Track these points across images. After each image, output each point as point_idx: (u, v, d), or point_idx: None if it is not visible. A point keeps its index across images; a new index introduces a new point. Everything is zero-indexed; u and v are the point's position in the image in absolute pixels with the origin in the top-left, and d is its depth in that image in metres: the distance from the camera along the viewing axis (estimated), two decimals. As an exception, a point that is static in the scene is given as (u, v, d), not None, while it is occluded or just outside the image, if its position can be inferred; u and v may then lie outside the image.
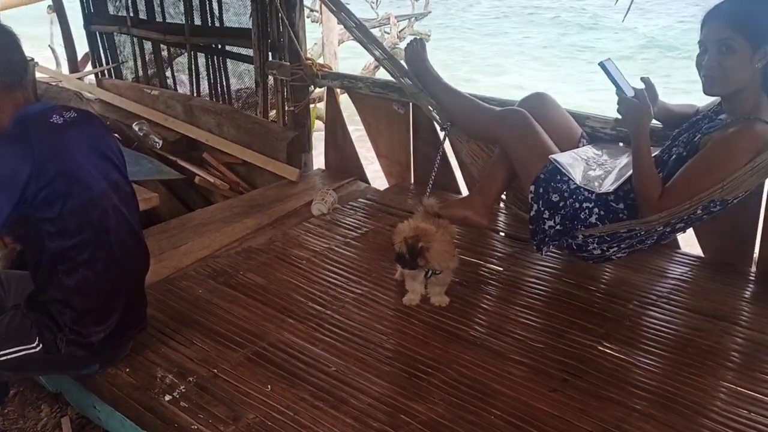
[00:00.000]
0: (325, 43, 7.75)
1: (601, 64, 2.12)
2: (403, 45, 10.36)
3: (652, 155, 2.23)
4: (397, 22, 9.76)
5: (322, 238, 2.86)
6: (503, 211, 3.05)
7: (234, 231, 2.96)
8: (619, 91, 2.09)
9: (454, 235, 2.33)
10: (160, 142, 3.97)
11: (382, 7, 10.51)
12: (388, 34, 9.88)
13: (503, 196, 2.80)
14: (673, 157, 2.14)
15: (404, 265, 2.26)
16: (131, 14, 4.63)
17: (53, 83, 4.88)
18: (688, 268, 2.55)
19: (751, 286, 2.45)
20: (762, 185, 2.36)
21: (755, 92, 2.00)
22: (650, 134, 2.37)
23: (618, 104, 2.10)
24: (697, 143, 2.08)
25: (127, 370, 2.02)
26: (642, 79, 2.17)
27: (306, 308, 2.32)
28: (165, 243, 2.82)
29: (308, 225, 2.99)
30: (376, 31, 10.30)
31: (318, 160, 3.81)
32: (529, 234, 2.37)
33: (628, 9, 3.06)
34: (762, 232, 2.47)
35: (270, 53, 3.78)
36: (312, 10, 9.11)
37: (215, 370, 2.00)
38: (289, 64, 3.54)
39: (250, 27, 3.78)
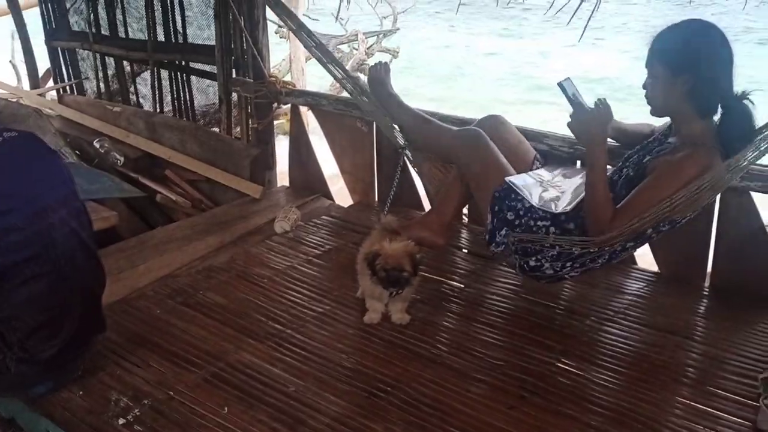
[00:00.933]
0: (293, 59, 7.76)
1: (560, 84, 2.16)
2: (371, 61, 10.43)
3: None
4: (365, 38, 9.81)
5: (284, 256, 2.85)
6: (465, 229, 3.07)
7: (195, 249, 2.93)
8: (576, 105, 2.13)
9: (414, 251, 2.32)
10: (122, 159, 3.92)
11: (350, 24, 10.55)
12: (357, 50, 9.92)
13: (465, 213, 2.84)
14: (623, 178, 2.19)
15: (395, 283, 2.23)
16: (93, 30, 4.58)
17: (13, 99, 4.80)
18: (644, 284, 2.59)
19: (704, 301, 2.50)
20: (712, 204, 2.42)
21: (696, 116, 2.07)
22: (606, 152, 2.45)
23: (570, 117, 2.14)
24: (645, 165, 2.13)
25: (81, 393, 1.98)
26: (598, 99, 2.21)
27: (266, 328, 2.31)
28: (123, 262, 2.78)
29: (271, 243, 2.97)
30: (344, 48, 10.34)
31: (283, 177, 3.81)
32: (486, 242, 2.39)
33: (585, 28, 3.14)
34: (714, 248, 2.53)
35: (234, 70, 3.77)
36: (280, 26, 9.10)
37: (171, 393, 1.97)
38: (252, 81, 3.53)
39: (214, 44, 3.76)
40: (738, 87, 2.06)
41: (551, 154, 2.67)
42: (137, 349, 2.17)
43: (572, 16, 3.23)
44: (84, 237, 1.96)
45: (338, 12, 4.00)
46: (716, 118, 2.09)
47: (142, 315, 2.38)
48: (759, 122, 2.01)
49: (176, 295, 2.52)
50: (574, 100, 2.13)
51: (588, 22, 3.04)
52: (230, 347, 2.19)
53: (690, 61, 2.03)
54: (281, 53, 8.87)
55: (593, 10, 3.06)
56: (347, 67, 9.29)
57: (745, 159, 1.95)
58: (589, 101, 2.17)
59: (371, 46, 10.34)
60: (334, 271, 2.71)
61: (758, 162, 2.08)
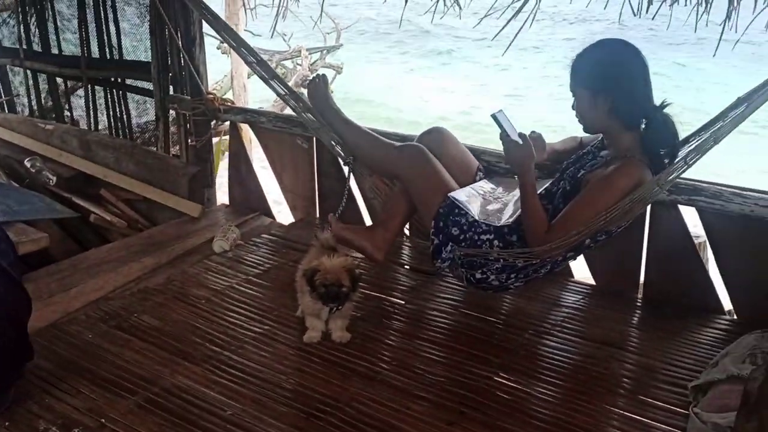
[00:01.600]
0: (234, 75, 7.67)
1: (494, 116, 2.22)
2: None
3: (544, 187, 2.34)
4: (309, 54, 9.81)
5: (223, 276, 2.80)
6: (407, 244, 3.09)
7: (130, 271, 2.85)
8: (505, 135, 2.19)
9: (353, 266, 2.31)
10: (54, 178, 3.79)
11: (293, 40, 10.54)
12: (300, 65, 9.92)
13: (407, 228, 2.85)
14: (560, 190, 2.24)
15: (334, 299, 2.21)
16: (24, 46, 4.43)
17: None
18: (580, 296, 2.64)
19: (638, 312, 2.56)
20: (644, 216, 2.49)
21: (623, 131, 2.15)
22: (543, 167, 2.51)
23: (504, 148, 2.21)
24: (581, 179, 2.19)
25: (7, 423, 1.90)
26: (532, 131, 2.38)
27: (203, 350, 2.26)
28: (54, 285, 2.68)
29: (209, 263, 2.92)
30: (288, 63, 10.32)
31: (223, 195, 3.75)
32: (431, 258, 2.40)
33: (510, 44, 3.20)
34: (646, 260, 2.60)
35: (172, 87, 3.71)
36: (222, 42, 9.01)
37: (103, 420, 1.90)
38: (189, 98, 3.48)
39: (150, 60, 3.69)
40: (657, 98, 2.15)
41: (489, 170, 2.70)
42: (67, 376, 2.09)
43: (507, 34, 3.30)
44: (4, 265, 1.88)
45: (273, 28, 3.95)
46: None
47: (74, 340, 2.30)
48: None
49: (109, 318, 2.44)
50: (506, 131, 2.19)
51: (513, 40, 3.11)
52: (165, 371, 2.13)
53: (606, 80, 2.11)
54: (224, 68, 8.79)
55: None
56: (290, 83, 9.29)
57: (674, 171, 2.03)
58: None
59: (315, 62, 10.35)
60: (274, 291, 2.68)
61: (684, 176, 2.16)
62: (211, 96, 3.44)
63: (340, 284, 2.17)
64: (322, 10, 3.88)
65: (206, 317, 2.48)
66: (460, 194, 2.35)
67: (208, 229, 3.30)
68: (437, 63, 16.58)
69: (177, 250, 3.05)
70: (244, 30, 8.47)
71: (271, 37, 5.09)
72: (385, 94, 13.74)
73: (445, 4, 3.40)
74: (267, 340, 2.34)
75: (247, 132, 3.76)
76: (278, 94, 2.74)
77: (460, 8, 3.40)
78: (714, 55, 2.88)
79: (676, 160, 2.04)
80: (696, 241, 2.70)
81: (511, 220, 2.28)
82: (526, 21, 2.88)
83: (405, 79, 15.13)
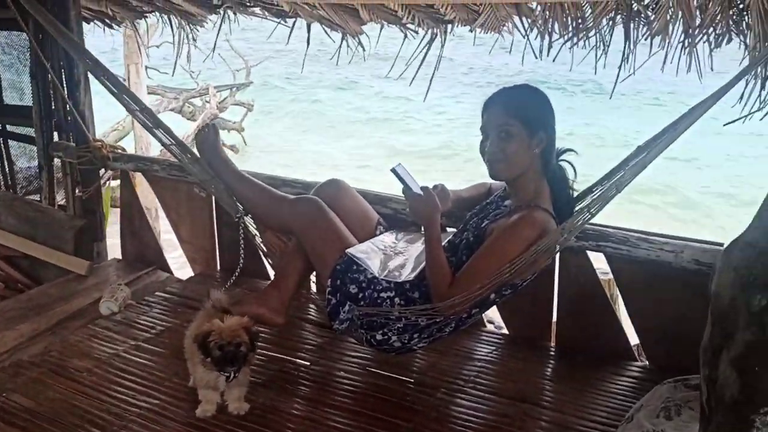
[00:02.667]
0: (137, 115, 7.36)
1: (393, 170, 2.13)
2: (223, 116, 10.19)
3: (447, 239, 2.24)
4: (217, 92, 9.57)
5: (109, 343, 2.54)
6: (311, 298, 2.92)
7: (3, 341, 2.55)
8: (407, 189, 2.11)
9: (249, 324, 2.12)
10: None
11: (202, 77, 10.28)
12: (209, 103, 9.66)
13: (312, 279, 2.70)
14: (464, 242, 2.15)
15: (233, 361, 2.01)
16: None
17: None
18: (493, 347, 2.55)
19: (551, 362, 2.49)
20: (553, 262, 2.43)
21: (536, 178, 2.08)
22: (449, 216, 2.42)
23: (406, 200, 2.13)
24: (484, 229, 2.11)
25: None
26: (436, 185, 2.31)
27: (80, 433, 2.01)
28: None
29: (95, 328, 2.66)
30: (197, 101, 10.04)
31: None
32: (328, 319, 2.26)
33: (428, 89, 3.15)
34: (557, 307, 2.54)
35: (57, 133, 3.44)
36: (123, 79, 8.66)
37: None
38: (75, 145, 3.22)
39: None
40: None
41: (395, 218, 2.60)
42: None
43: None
44: None
45: (174, 67, 3.78)
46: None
47: (-75, 431, 2.00)
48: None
49: (-29, 401, 2.15)
50: (407, 186, 2.11)
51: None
52: (33, 464, 1.87)
53: (544, 120, 2.06)
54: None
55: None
56: (198, 122, 9.02)
57: (578, 221, 1.97)
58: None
59: (224, 99, 10.12)
60: (166, 357, 2.44)
61: (593, 221, 2.12)
62: (99, 143, 3.21)
63: (239, 342, 1.98)
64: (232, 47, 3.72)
65: (87, 393, 2.23)
66: (359, 250, 2.22)
67: (97, 287, 3.03)
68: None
69: (59, 314, 2.77)
70: (148, 68, 8.20)
71: (172, 76, 4.89)
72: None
73: (348, 46, 3.33)
74: (155, 416, 2.11)
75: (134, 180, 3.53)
76: (163, 144, 2.54)
77: (364, 49, 3.33)
78: (611, 98, 2.91)
79: (581, 208, 1.99)
80: (607, 277, 2.68)
81: (413, 275, 2.16)
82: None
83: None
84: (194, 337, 2.08)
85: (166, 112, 9.39)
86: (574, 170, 2.12)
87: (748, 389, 1.10)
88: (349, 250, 2.20)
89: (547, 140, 2.04)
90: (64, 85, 3.21)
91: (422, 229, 2.48)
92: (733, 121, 2.44)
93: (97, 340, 2.56)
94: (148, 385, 2.28)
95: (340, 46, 3.30)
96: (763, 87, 2.47)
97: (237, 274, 2.46)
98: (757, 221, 1.26)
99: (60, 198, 3.68)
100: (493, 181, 2.37)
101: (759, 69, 2.48)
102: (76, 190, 3.35)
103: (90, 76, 3.16)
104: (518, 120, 2.03)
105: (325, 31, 3.21)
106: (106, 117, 7.42)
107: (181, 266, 3.57)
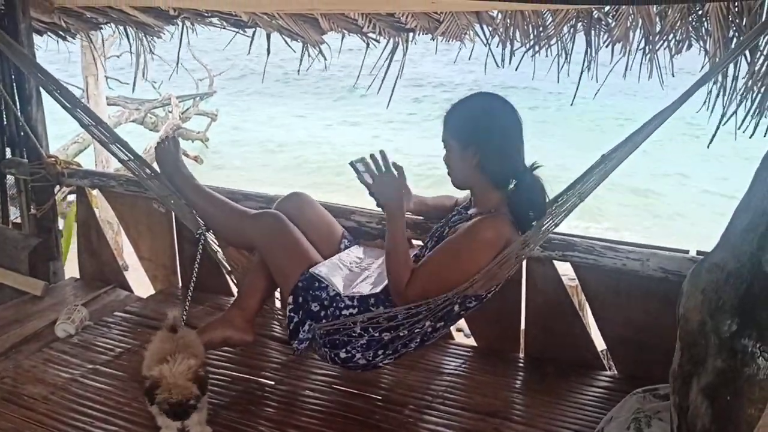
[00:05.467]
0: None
1: (352, 164, 2.10)
2: (187, 125, 10.04)
3: (414, 253, 2.20)
4: (179, 102, 9.42)
5: (66, 368, 2.44)
6: (278, 313, 2.85)
7: (-48, 368, 2.44)
8: (362, 177, 2.08)
9: (199, 355, 2.04)
10: None
11: (166, 87, 10.11)
12: (171, 113, 9.50)
13: (277, 296, 2.63)
14: (429, 252, 2.11)
15: (180, 416, 1.92)
16: None
17: None
18: (462, 360, 2.51)
19: (521, 374, 2.46)
20: (520, 272, 2.41)
21: (490, 188, 2.06)
22: (415, 227, 2.39)
23: (373, 182, 2.07)
24: (446, 236, 2.08)
25: None
26: (393, 163, 2.12)
27: (33, 467, 1.92)
28: None
29: (50, 351, 2.55)
30: (160, 112, 9.87)
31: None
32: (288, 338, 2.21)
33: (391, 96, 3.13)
34: (525, 318, 2.52)
35: (9, 150, 3.33)
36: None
37: None
38: (27, 162, 3.11)
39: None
40: (529, 159, 2.07)
41: (359, 231, 2.55)
42: None
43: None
44: None
45: (134, 79, 3.70)
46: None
47: None
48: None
49: None
50: (360, 175, 2.08)
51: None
52: (-19, 502, 1.78)
53: (475, 134, 2.02)
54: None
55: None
56: (161, 132, 8.87)
57: (541, 232, 1.95)
58: None
59: (187, 109, 9.98)
60: (125, 381, 2.36)
61: (556, 231, 2.10)
62: (53, 159, 3.10)
63: (188, 397, 1.89)
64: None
65: (42, 422, 2.13)
66: (322, 268, 2.17)
67: (53, 308, 2.92)
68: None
69: (12, 338, 2.66)
70: (109, 78, 8.04)
71: (133, 91, 4.78)
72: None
73: (309, 55, 3.28)
74: (114, 444, 2.03)
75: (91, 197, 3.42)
76: (120, 160, 2.46)
77: (325, 58, 3.29)
78: (572, 104, 2.90)
79: (544, 219, 1.97)
80: (574, 283, 2.66)
81: (378, 289, 2.11)
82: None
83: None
84: (142, 379, 1.99)
85: (128, 123, 9.22)
86: (540, 186, 2.04)
87: (720, 420, 1.07)
88: (312, 269, 2.15)
89: (481, 153, 2.01)
90: (16, 100, 3.10)
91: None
92: (713, 138, 2.46)
93: (52, 365, 2.46)
94: (107, 411, 2.19)
95: (302, 57, 3.25)
96: (723, 93, 2.48)
97: (191, 291, 2.37)
98: (724, 241, 1.23)
99: (14, 216, 3.57)
100: (460, 195, 2.35)
101: (720, 77, 2.50)
102: (31, 208, 3.24)
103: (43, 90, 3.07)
104: (450, 134, 2.07)
105: (285, 41, 3.16)
106: (71, 128, 7.24)
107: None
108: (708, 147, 2.52)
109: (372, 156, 2.09)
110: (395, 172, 2.06)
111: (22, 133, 3.19)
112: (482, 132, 2.02)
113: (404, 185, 2.12)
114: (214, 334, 2.21)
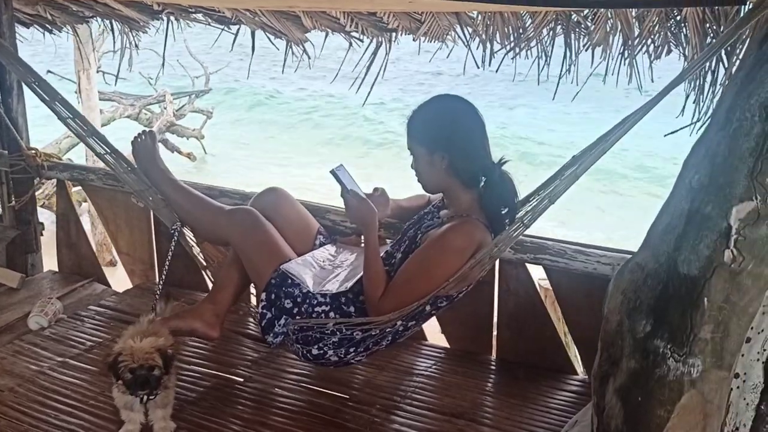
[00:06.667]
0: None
1: (333, 172, 2.10)
2: (181, 122, 10.03)
3: (385, 250, 2.20)
4: (173, 99, 9.41)
5: (35, 360, 2.44)
6: (253, 310, 2.84)
7: None
8: (345, 192, 2.08)
9: (166, 339, 2.03)
10: None
11: (161, 83, 10.10)
12: (166, 110, 9.49)
13: (252, 291, 2.62)
14: (400, 254, 2.11)
15: (144, 385, 1.91)
16: None
17: None
18: (433, 362, 2.50)
19: (492, 376, 2.46)
20: (493, 274, 2.40)
21: (462, 191, 2.05)
22: (388, 227, 2.38)
23: (345, 204, 2.10)
24: (418, 242, 2.07)
25: None
26: (375, 188, 2.31)
27: (-7, 459, 1.91)
28: None
29: (21, 344, 2.55)
30: (155, 108, 9.86)
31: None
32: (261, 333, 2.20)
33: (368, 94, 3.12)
34: (497, 320, 2.51)
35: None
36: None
37: None
38: (7, 153, 3.10)
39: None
40: (496, 155, 2.08)
41: (334, 229, 2.54)
42: None
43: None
44: None
45: (117, 73, 3.71)
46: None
47: None
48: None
49: None
50: (346, 187, 2.08)
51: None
52: (-63, 492, 1.77)
53: (440, 138, 2.02)
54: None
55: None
56: (154, 129, 8.88)
57: (513, 233, 1.94)
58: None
59: (183, 106, 9.97)
60: (93, 375, 2.34)
61: (529, 234, 2.09)
62: (33, 151, 3.09)
63: (150, 366, 1.89)
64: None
65: (6, 413, 2.13)
66: (293, 265, 2.17)
67: (28, 301, 2.90)
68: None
69: (-15, 330, 2.66)
70: (103, 72, 8.03)
71: (115, 83, 4.77)
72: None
73: (294, 54, 3.27)
74: (76, 438, 2.02)
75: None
76: (96, 153, 2.45)
77: (309, 57, 3.29)
78: (553, 99, 2.89)
79: (515, 221, 1.96)
80: (547, 285, 2.65)
81: (348, 285, 2.11)
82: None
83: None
84: (103, 358, 1.99)
85: (122, 118, 9.21)
86: (509, 180, 2.06)
87: (631, 421, 1.07)
88: (283, 266, 2.15)
89: (449, 157, 2.00)
90: (-5, 91, 3.09)
91: (362, 240, 2.45)
92: (674, 132, 2.45)
93: (22, 357, 2.46)
94: (73, 404, 2.18)
95: (286, 54, 3.25)
96: (700, 98, 2.48)
97: (160, 286, 2.37)
98: (646, 241, 1.23)
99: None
100: (432, 195, 2.35)
101: (698, 80, 2.49)
102: (11, 200, 3.22)
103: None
104: (416, 142, 2.07)
105: (269, 38, 3.15)
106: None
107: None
108: (665, 136, 2.51)
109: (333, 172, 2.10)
110: (360, 194, 2.09)
111: (2, 125, 3.18)
112: (447, 135, 2.01)
113: (372, 208, 2.09)
114: (182, 323, 2.21)
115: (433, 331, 2.66)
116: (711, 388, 1.19)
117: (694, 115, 2.48)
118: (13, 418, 2.10)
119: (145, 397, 1.95)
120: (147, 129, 2.66)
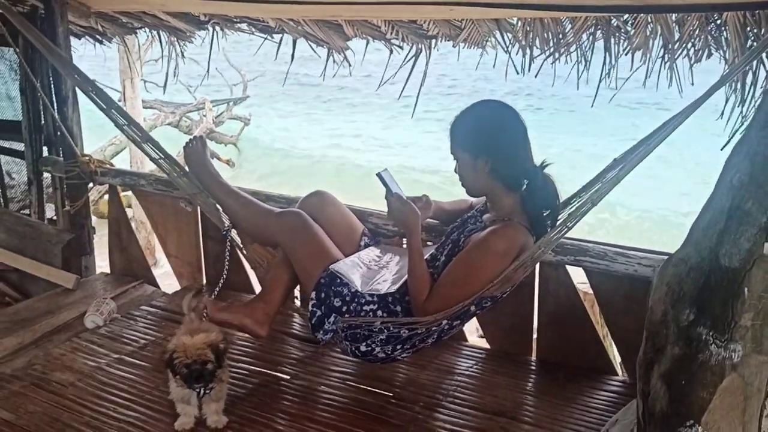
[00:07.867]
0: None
1: (379, 175, 2.17)
2: (220, 130, 10.23)
3: (429, 253, 2.26)
4: (213, 107, 9.61)
5: (93, 356, 2.55)
6: (294, 311, 2.92)
7: (-14, 355, 2.56)
8: (389, 194, 2.14)
9: (217, 334, 2.13)
10: None
11: (201, 91, 10.32)
12: (206, 117, 9.70)
13: (296, 294, 2.70)
14: (444, 257, 2.16)
15: (199, 379, 2.02)
16: None
17: None
18: (474, 362, 2.55)
19: (532, 377, 2.49)
20: (533, 277, 2.44)
21: (505, 194, 2.10)
22: (430, 230, 2.44)
23: (389, 206, 2.16)
24: (461, 245, 2.12)
25: None
26: (423, 195, 2.41)
27: (58, 447, 2.01)
28: None
29: (79, 341, 2.67)
30: (194, 115, 10.09)
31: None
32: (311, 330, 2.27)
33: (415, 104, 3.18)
34: (538, 322, 2.54)
35: (46, 148, 3.48)
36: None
37: None
38: (63, 160, 3.25)
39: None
40: (538, 158, 2.13)
41: (376, 232, 2.61)
42: None
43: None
44: None
45: (165, 82, 3.83)
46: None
47: None
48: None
49: (-49, 415, 2.16)
50: (391, 191, 2.14)
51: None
52: (9, 478, 1.88)
53: (484, 143, 2.08)
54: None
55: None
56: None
57: (555, 235, 1.98)
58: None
59: (221, 113, 10.17)
60: (148, 371, 2.45)
61: (569, 236, 2.13)
62: (87, 158, 3.22)
63: (204, 361, 1.98)
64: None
65: (68, 406, 2.23)
66: (341, 265, 2.24)
67: (84, 301, 3.03)
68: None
69: (44, 328, 2.78)
70: (145, 81, 8.25)
71: (164, 92, 4.92)
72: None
73: (335, 61, 3.36)
74: (135, 429, 2.11)
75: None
76: (152, 159, 2.56)
77: (350, 65, 3.37)
78: (592, 106, 2.92)
79: (557, 223, 2.00)
80: (588, 288, 2.67)
81: (395, 288, 2.18)
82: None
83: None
84: (160, 355, 2.10)
85: (163, 126, 9.44)
86: (551, 183, 2.10)
87: (675, 403, 1.13)
88: (332, 266, 2.22)
89: (492, 161, 2.06)
90: (53, 101, 3.24)
91: (404, 242, 2.52)
92: (728, 142, 2.46)
93: (80, 353, 2.57)
94: (129, 398, 2.28)
95: (327, 62, 3.34)
96: (742, 102, 2.49)
97: (220, 286, 2.47)
98: (689, 237, 1.29)
99: (50, 212, 3.71)
100: (474, 200, 2.40)
101: (738, 84, 2.50)
102: (65, 205, 3.37)
103: (79, 91, 3.20)
104: (459, 147, 2.13)
105: (311, 47, 3.24)
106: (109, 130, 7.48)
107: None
108: (722, 149, 2.52)
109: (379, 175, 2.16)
110: (403, 196, 2.15)
111: (58, 133, 3.33)
112: (491, 140, 2.07)
113: (415, 211, 2.14)
114: (233, 318, 2.28)
115: (472, 332, 2.71)
116: (751, 372, 1.27)
117: (734, 118, 2.49)
118: (75, 411, 2.21)
119: (202, 390, 2.04)
120: (198, 135, 2.76)
